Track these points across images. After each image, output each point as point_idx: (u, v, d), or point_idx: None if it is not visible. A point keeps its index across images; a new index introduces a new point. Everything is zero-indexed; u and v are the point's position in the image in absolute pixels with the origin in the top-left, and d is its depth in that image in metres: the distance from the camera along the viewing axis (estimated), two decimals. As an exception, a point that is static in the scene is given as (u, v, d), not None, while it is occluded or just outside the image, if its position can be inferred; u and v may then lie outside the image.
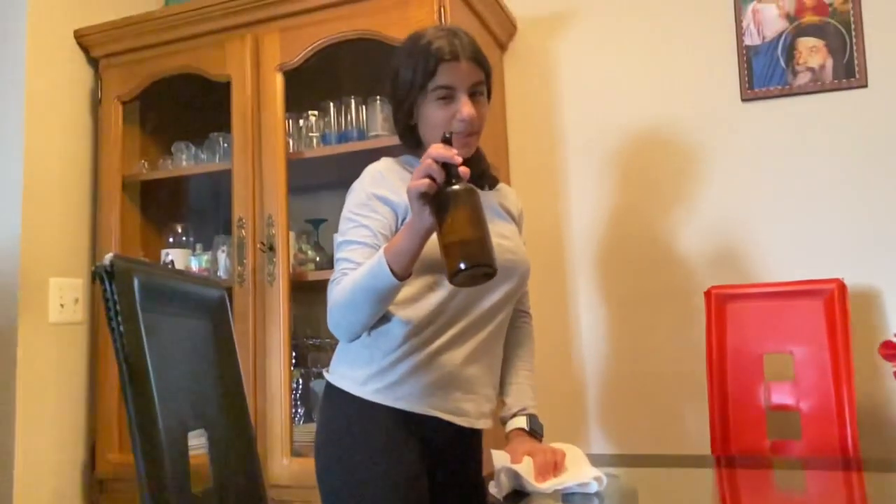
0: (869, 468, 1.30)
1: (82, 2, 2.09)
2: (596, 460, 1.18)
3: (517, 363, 1.36)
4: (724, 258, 1.86)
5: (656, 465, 1.39)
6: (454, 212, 0.96)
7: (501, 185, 1.40)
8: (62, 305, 1.94)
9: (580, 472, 1.13)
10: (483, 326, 1.22)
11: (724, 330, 1.67)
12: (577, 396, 1.95)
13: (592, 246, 1.98)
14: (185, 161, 2.03)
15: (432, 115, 1.21)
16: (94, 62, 2.09)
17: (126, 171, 2.04)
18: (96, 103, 2.08)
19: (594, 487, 1.10)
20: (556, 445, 1.22)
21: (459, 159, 0.99)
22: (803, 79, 1.84)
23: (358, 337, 1.15)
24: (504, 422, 1.30)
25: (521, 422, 1.27)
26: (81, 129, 2.07)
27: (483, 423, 1.25)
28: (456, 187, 0.98)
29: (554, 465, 1.15)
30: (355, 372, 1.18)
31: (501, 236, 1.25)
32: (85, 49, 2.07)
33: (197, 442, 0.82)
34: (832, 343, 1.56)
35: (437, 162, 0.98)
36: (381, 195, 1.20)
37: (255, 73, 1.87)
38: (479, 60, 1.22)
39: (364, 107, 1.86)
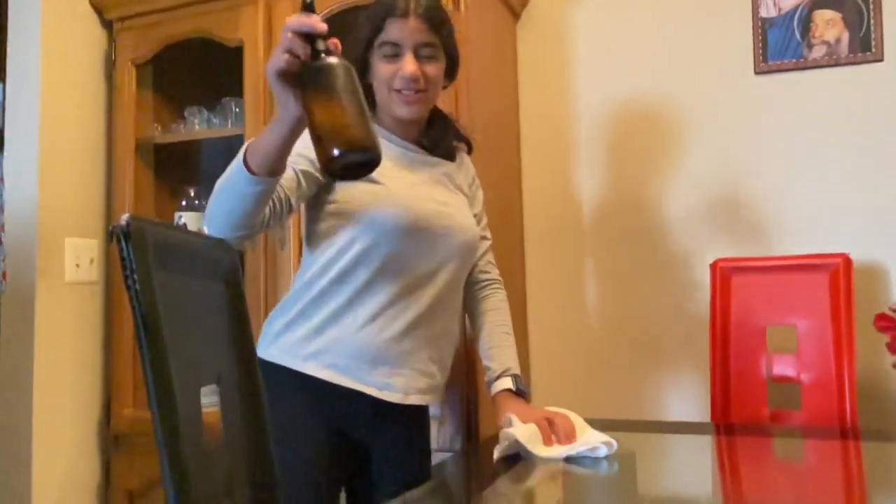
0: (866, 438, 1.32)
1: (96, -37, 2.09)
2: (596, 425, 1.20)
3: (494, 327, 1.35)
4: (731, 231, 1.87)
5: (656, 431, 1.42)
6: (322, 90, 0.83)
7: (464, 160, 1.38)
8: (78, 265, 1.98)
9: (589, 437, 1.13)
10: (418, 298, 1.20)
11: (729, 302, 1.68)
12: (580, 363, 1.98)
13: (601, 216, 2.00)
14: (198, 125, 2.05)
15: (378, 71, 1.19)
16: (108, 24, 2.10)
17: (139, 135, 2.06)
18: (110, 66, 2.09)
19: (604, 451, 1.10)
20: (555, 410, 1.21)
21: (323, 27, 0.85)
22: (818, 52, 1.83)
23: (229, 237, 1.03)
24: (489, 385, 1.30)
25: (506, 382, 1.27)
26: (95, 91, 2.09)
27: (416, 399, 1.22)
28: (325, 61, 0.84)
29: (566, 435, 1.14)
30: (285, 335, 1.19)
31: (441, 203, 1.24)
32: (99, 11, 2.08)
33: (208, 400, 0.85)
34: (835, 317, 1.57)
35: (298, 34, 0.85)
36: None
37: (268, 38, 1.87)
38: (432, 19, 1.19)
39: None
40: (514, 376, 1.28)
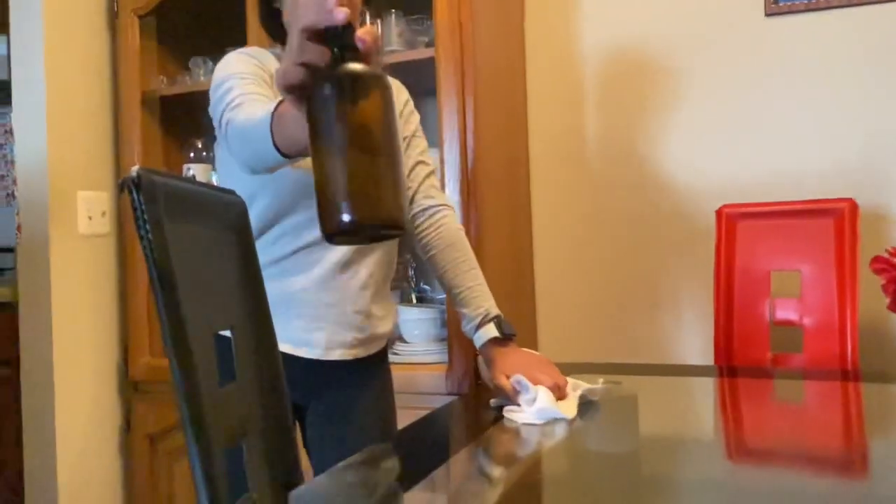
0: (867, 379, 1.35)
1: None
2: (601, 369, 1.23)
3: (457, 265, 1.19)
4: (738, 176, 1.87)
5: (659, 374, 1.45)
6: (344, 116, 0.60)
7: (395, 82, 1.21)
8: (90, 218, 2.01)
9: (579, 383, 1.11)
10: (330, 248, 1.10)
11: (734, 248, 1.69)
12: (584, 308, 2.00)
13: (607, 160, 1.99)
14: (203, 76, 2.04)
15: None
16: (109, -26, 2.08)
17: (145, 87, 2.06)
18: (112, 17, 2.08)
19: (602, 391, 1.10)
20: (529, 352, 1.16)
21: (343, 15, 0.61)
22: (831, -8, 1.79)
23: (253, 172, 0.96)
24: (470, 335, 1.18)
25: (490, 330, 1.15)
26: (99, 43, 2.08)
27: (340, 355, 1.14)
28: (350, 68, 0.61)
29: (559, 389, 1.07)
30: None
31: None
32: (99, -40, 2.06)
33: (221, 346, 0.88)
34: (839, 261, 1.58)
35: (314, 34, 0.63)
36: (257, 64, 1.05)
37: (271, -14, 1.85)
38: None
39: (379, 21, 1.84)
40: (496, 319, 1.16)
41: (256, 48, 1.15)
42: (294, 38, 0.63)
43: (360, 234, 0.62)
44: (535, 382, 1.05)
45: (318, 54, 0.63)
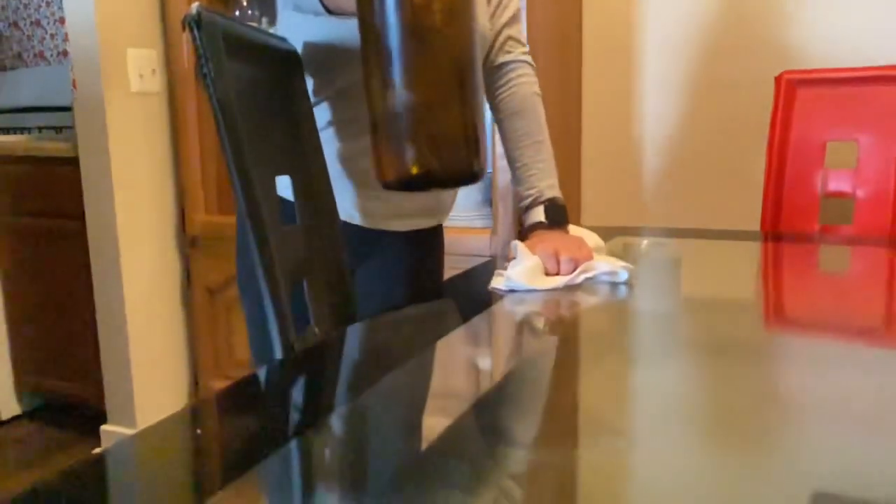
0: (915, 250, 1.33)
1: None
2: (648, 232, 1.23)
3: (520, 138, 1.09)
4: (797, 44, 1.78)
5: (705, 238, 1.46)
6: (412, 20, 0.45)
7: None
8: (141, 76, 2.03)
9: (601, 264, 0.97)
10: None
11: (791, 115, 1.64)
12: (634, 172, 2.00)
13: (664, 28, 1.91)
14: (247, -73, 1.98)
15: None
16: None
17: (189, -61, 2.01)
18: None
19: (624, 275, 0.95)
20: (575, 231, 1.08)
21: None
22: None
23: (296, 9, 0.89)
24: (522, 215, 1.12)
25: (538, 214, 1.06)
26: None
27: (399, 225, 1.07)
28: None
29: (575, 266, 0.96)
30: None
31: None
32: None
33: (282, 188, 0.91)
34: (902, 130, 1.53)
35: None
36: None
37: None
38: None
39: None
40: (547, 202, 1.07)
41: None
42: None
43: (424, 188, 0.54)
44: (550, 253, 0.96)
45: None
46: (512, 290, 0.91)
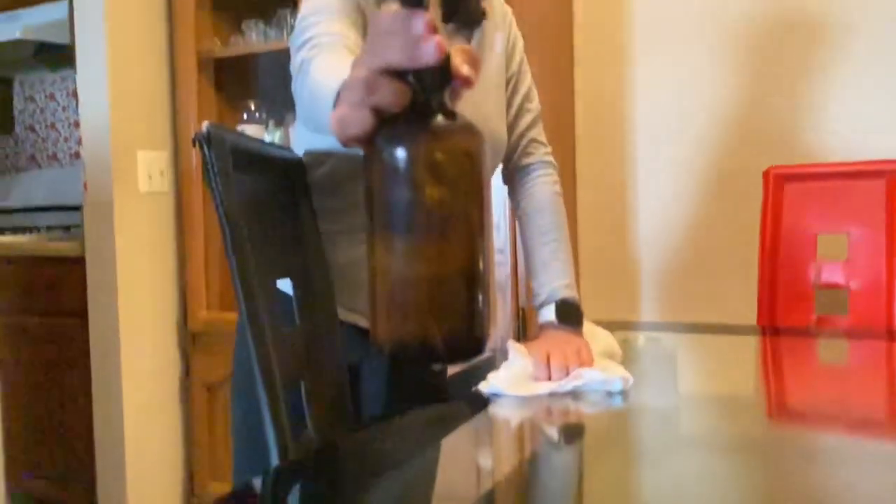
0: (912, 342, 1.34)
1: None
2: (642, 327, 1.25)
3: (538, 235, 1.10)
4: (784, 138, 1.85)
5: (701, 332, 1.47)
6: (421, 201, 0.44)
7: (492, 3, 1.04)
8: (150, 177, 2.10)
9: (593, 373, 0.92)
10: None
11: (781, 209, 1.68)
12: (630, 265, 2.03)
13: (655, 121, 1.99)
14: (255, 38, 2.10)
15: None
16: (165, -61, 2.13)
17: (200, 49, 2.12)
18: (169, -19, 2.14)
19: (618, 386, 0.90)
20: (589, 331, 1.05)
21: (438, 51, 0.42)
22: (892, -54, 1.73)
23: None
24: (536, 311, 1.10)
25: (549, 313, 1.05)
26: (156, 7, 2.15)
27: None
28: (439, 128, 0.45)
29: (566, 372, 0.92)
30: None
31: (486, 118, 0.97)
32: (155, -75, 2.11)
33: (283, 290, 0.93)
34: (890, 223, 1.56)
35: (392, 75, 0.44)
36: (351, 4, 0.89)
37: (321, -52, 1.88)
38: None
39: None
40: (560, 301, 1.05)
41: None
42: (363, 69, 0.44)
43: (420, 361, 0.49)
44: (541, 357, 0.94)
45: (395, 95, 0.44)
46: (496, 395, 0.90)
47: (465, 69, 0.44)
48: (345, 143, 0.46)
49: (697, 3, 1.92)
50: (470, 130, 0.46)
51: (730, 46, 1.89)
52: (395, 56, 0.43)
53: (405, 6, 0.43)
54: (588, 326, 1.07)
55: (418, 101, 0.44)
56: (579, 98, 2.07)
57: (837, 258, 1.63)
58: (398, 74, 0.43)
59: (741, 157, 1.89)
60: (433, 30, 0.42)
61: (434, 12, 0.44)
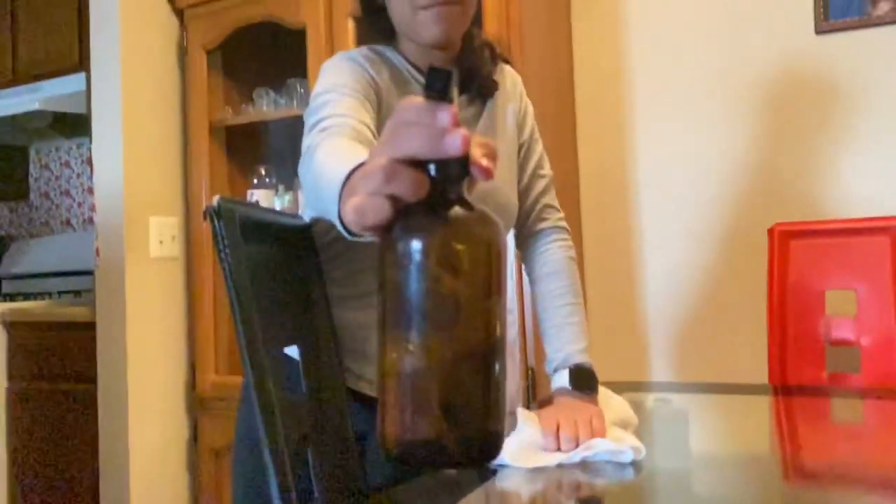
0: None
1: (167, -45, 2.21)
2: (652, 387, 1.24)
3: (553, 298, 1.09)
4: (790, 195, 1.86)
5: (712, 392, 1.45)
6: (437, 297, 0.44)
7: (504, 75, 1.08)
8: (161, 242, 2.13)
9: (603, 443, 0.90)
10: None
11: (787, 266, 1.69)
12: (638, 324, 2.02)
13: (660, 185, 2.01)
14: (266, 106, 2.15)
15: None
16: (179, 13, 2.21)
17: (212, 117, 2.18)
18: (182, 52, 2.22)
19: (629, 457, 0.88)
20: (604, 398, 1.03)
21: (464, 141, 0.42)
22: (884, 8, 1.78)
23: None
24: (549, 376, 1.08)
25: (563, 378, 1.03)
26: (170, 77, 2.22)
27: None
28: (458, 220, 0.45)
29: (574, 444, 0.90)
30: None
31: (496, 186, 0.99)
32: (170, 0, 2.20)
33: (291, 356, 0.94)
34: (897, 280, 1.56)
35: (409, 166, 0.43)
36: (367, 76, 0.91)
37: (329, 21, 1.95)
38: None
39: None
40: (575, 367, 1.03)
41: (374, 47, 1.01)
42: (381, 158, 0.44)
43: (433, 463, 0.46)
44: (551, 427, 0.92)
45: (414, 185, 0.43)
46: (502, 465, 0.87)
47: (484, 162, 0.43)
48: (360, 232, 0.45)
49: (695, 67, 1.97)
50: (488, 221, 0.45)
51: (732, 107, 1.93)
52: (418, 147, 0.43)
53: (430, 98, 0.43)
54: (603, 393, 1.05)
55: (436, 191, 0.44)
56: (583, 166, 2.10)
57: (847, 314, 1.62)
58: (417, 164, 0.43)
59: (747, 215, 1.90)
60: (457, 123, 0.43)
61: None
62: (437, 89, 0.42)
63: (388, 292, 0.45)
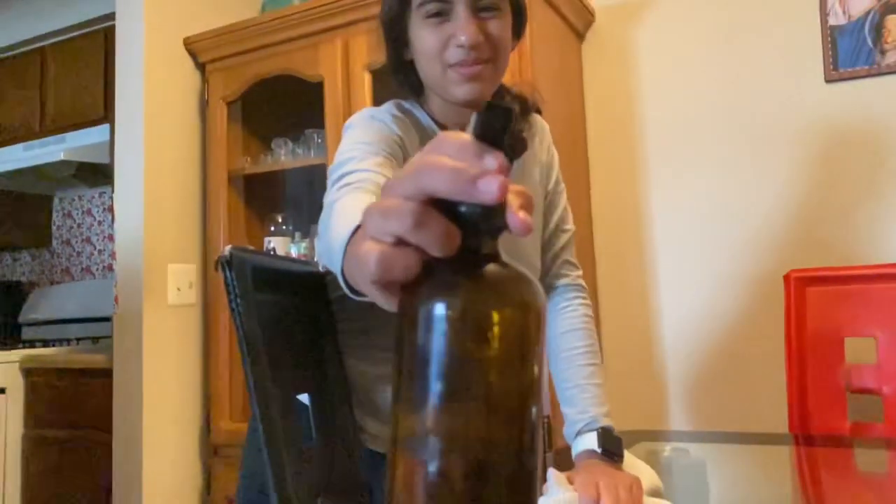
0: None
1: (190, 12, 2.28)
2: (669, 436, 1.22)
3: (572, 358, 1.06)
4: (805, 242, 1.86)
5: (731, 442, 1.42)
6: (467, 373, 0.37)
7: (534, 127, 1.07)
8: (178, 289, 2.16)
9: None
10: None
11: (804, 313, 1.67)
12: (656, 373, 1.99)
13: (674, 230, 2.01)
14: (284, 156, 2.20)
15: (422, 40, 0.89)
16: (200, 66, 2.28)
17: (231, 166, 2.23)
18: (203, 104, 2.28)
19: None
20: (630, 465, 0.99)
21: (496, 189, 0.35)
22: (892, 57, 1.80)
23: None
24: (569, 441, 1.04)
25: (590, 441, 0.99)
26: (191, 128, 2.28)
27: None
28: (493, 277, 0.38)
29: None
30: None
31: (522, 244, 0.98)
32: (193, 55, 2.27)
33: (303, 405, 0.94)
34: (917, 326, 1.54)
35: (437, 207, 0.37)
36: (394, 135, 0.89)
37: (346, 73, 2.00)
38: None
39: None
40: (602, 430, 0.99)
41: (400, 103, 0.99)
42: (402, 199, 0.36)
43: None
44: (590, 492, 0.88)
45: (445, 237, 0.36)
46: None
47: (521, 214, 0.36)
48: (372, 286, 0.38)
49: (707, 114, 1.98)
50: (528, 282, 0.38)
51: (744, 153, 1.94)
52: (446, 184, 0.36)
53: (482, 140, 0.36)
54: (629, 458, 1.01)
55: (467, 243, 0.37)
56: (597, 213, 2.11)
57: (867, 361, 1.59)
58: (448, 212, 0.36)
59: (764, 261, 1.89)
60: (503, 171, 0.36)
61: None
62: (493, 130, 0.36)
63: (407, 357, 0.38)
